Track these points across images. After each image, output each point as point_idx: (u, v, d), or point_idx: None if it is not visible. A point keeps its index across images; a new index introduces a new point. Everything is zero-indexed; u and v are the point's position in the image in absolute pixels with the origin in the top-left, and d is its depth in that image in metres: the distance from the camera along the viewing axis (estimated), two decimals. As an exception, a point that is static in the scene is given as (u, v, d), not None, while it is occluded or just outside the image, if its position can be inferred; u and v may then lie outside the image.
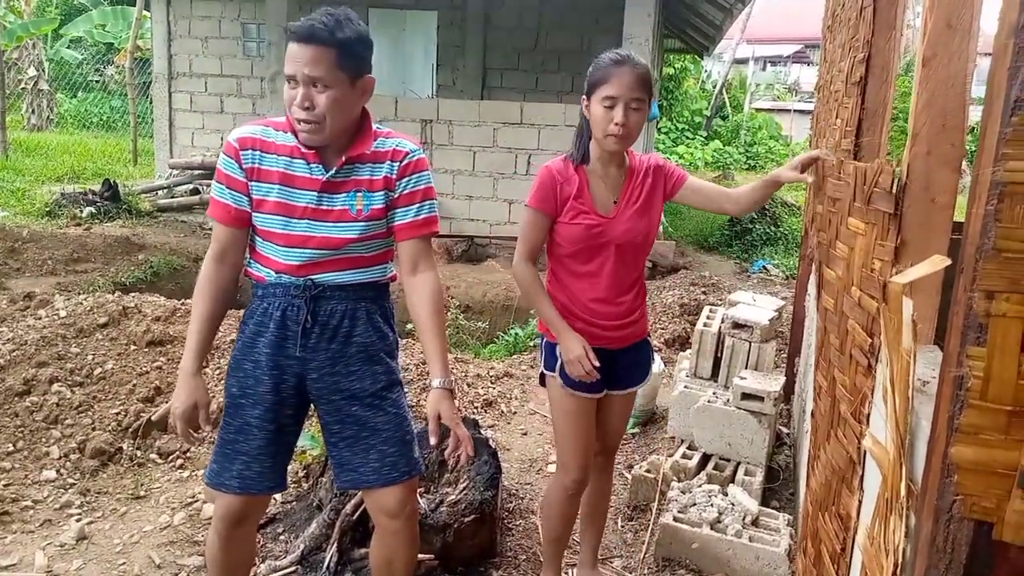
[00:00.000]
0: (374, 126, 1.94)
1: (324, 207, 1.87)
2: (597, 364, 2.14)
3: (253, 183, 1.89)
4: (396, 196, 1.92)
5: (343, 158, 1.86)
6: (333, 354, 1.92)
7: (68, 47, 18.19)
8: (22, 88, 16.53)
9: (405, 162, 1.92)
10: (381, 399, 1.96)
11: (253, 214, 1.91)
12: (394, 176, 1.91)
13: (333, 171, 1.86)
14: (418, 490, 2.32)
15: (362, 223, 1.89)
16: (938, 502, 0.93)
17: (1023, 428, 0.86)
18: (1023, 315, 0.85)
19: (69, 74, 17.90)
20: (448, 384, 1.93)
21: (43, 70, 16.66)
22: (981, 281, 0.87)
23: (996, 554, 0.91)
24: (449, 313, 6.28)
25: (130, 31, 14.53)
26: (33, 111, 16.50)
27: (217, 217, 1.93)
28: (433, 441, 1.91)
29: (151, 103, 11.12)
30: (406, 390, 2.10)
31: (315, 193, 1.86)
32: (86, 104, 18.09)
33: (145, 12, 12.96)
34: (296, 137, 1.85)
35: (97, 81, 19.19)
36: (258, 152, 1.88)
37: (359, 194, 1.88)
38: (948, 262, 1.10)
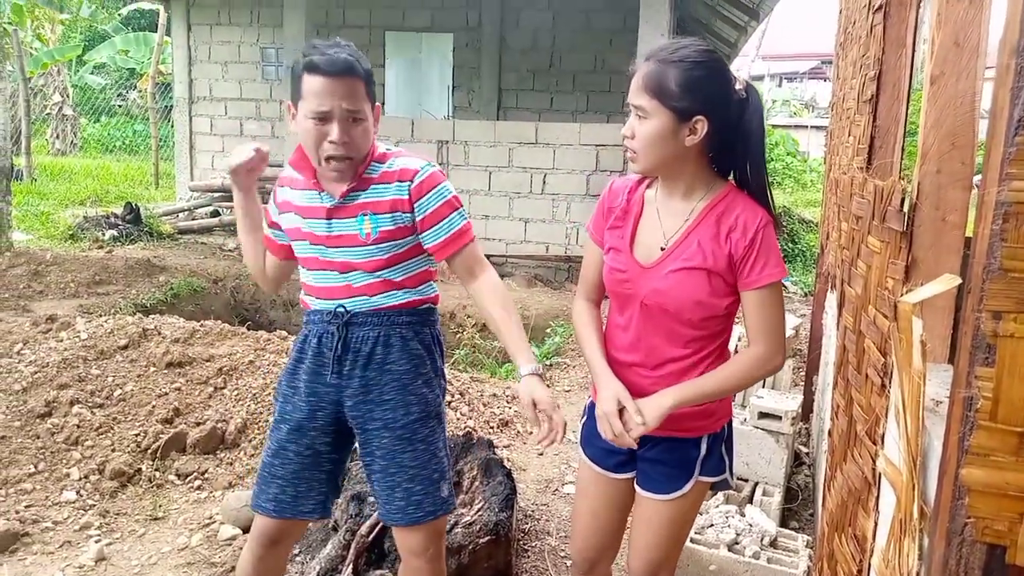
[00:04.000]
0: (384, 147, 1.93)
1: (335, 233, 1.88)
2: (629, 431, 1.64)
3: (283, 215, 2.00)
4: (420, 218, 1.87)
5: (346, 187, 1.86)
6: (367, 382, 1.90)
7: (92, 73, 18.57)
8: (47, 114, 16.88)
9: (417, 182, 1.85)
10: (412, 432, 1.91)
11: (292, 243, 2.00)
12: (406, 198, 1.85)
13: (338, 199, 1.87)
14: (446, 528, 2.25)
15: (372, 246, 1.86)
16: (950, 525, 0.92)
17: (1034, 450, 0.85)
18: (1031, 335, 0.85)
19: (93, 99, 18.24)
20: (537, 370, 1.80)
21: (67, 96, 17.00)
22: (988, 301, 0.86)
23: (1010, 578, 0.89)
24: (465, 332, 6.29)
25: (152, 57, 14.82)
26: (58, 136, 16.83)
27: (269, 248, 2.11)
28: (534, 430, 1.81)
29: (172, 127, 11.29)
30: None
31: (324, 221, 1.88)
32: (109, 128, 18.42)
33: (166, 38, 13.20)
34: (309, 174, 1.90)
35: (120, 106, 19.54)
36: (286, 187, 1.99)
37: (366, 217, 1.85)
38: (958, 281, 1.10)
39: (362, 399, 1.91)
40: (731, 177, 1.71)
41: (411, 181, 1.86)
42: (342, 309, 1.89)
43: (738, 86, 1.62)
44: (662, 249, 1.68)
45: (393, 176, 1.87)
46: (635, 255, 1.71)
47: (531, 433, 1.85)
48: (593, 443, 1.88)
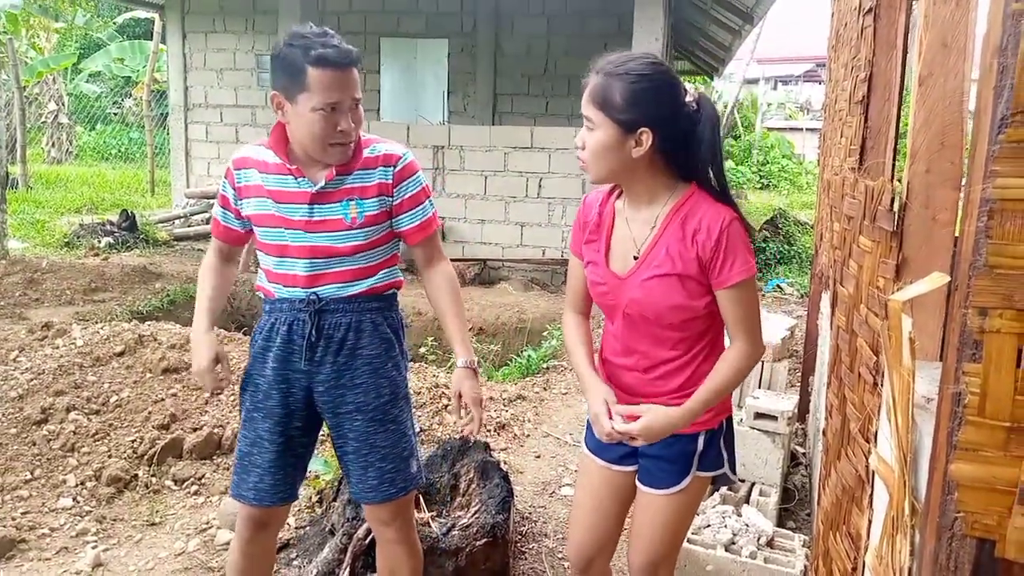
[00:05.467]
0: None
1: (317, 218, 1.90)
2: (619, 430, 1.70)
3: (243, 201, 1.96)
4: (397, 202, 1.95)
5: (333, 171, 1.89)
6: (339, 367, 1.95)
7: (87, 81, 18.54)
8: (42, 122, 16.83)
9: (399, 167, 1.94)
10: (384, 414, 1.99)
11: (255, 228, 1.98)
12: (390, 182, 1.93)
13: (323, 183, 1.89)
14: (418, 504, 2.35)
15: (357, 230, 1.91)
16: (940, 520, 0.93)
17: (1022, 445, 0.86)
18: (1017, 331, 0.85)
19: (88, 107, 18.21)
20: (471, 364, 2.01)
21: (63, 104, 16.96)
22: (974, 298, 0.87)
23: (1000, 572, 0.90)
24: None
25: (147, 64, 14.84)
26: (53, 144, 16.78)
27: (211, 231, 2.12)
28: (454, 418, 1.99)
29: (168, 134, 11.29)
30: (419, 413, 2.13)
31: (306, 206, 1.89)
32: (105, 136, 18.40)
33: (162, 45, 13.21)
34: (277, 155, 1.90)
35: (115, 114, 19.53)
36: (251, 170, 1.95)
37: (352, 202, 1.90)
38: (947, 279, 1.11)
39: (334, 384, 1.95)
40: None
41: (394, 166, 1.94)
42: (315, 296, 1.92)
43: (689, 98, 1.64)
44: (635, 258, 1.71)
45: (377, 161, 1.93)
46: (611, 267, 1.76)
47: (457, 422, 2.05)
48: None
